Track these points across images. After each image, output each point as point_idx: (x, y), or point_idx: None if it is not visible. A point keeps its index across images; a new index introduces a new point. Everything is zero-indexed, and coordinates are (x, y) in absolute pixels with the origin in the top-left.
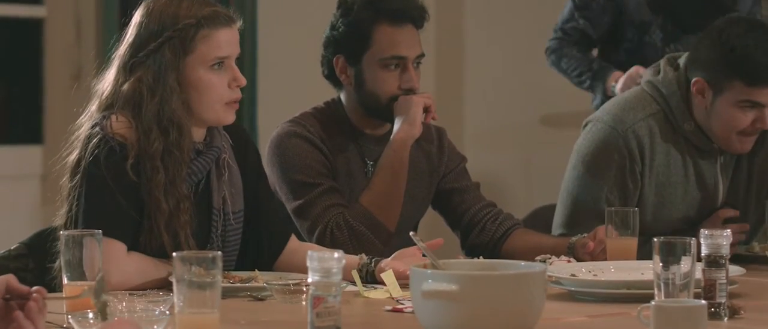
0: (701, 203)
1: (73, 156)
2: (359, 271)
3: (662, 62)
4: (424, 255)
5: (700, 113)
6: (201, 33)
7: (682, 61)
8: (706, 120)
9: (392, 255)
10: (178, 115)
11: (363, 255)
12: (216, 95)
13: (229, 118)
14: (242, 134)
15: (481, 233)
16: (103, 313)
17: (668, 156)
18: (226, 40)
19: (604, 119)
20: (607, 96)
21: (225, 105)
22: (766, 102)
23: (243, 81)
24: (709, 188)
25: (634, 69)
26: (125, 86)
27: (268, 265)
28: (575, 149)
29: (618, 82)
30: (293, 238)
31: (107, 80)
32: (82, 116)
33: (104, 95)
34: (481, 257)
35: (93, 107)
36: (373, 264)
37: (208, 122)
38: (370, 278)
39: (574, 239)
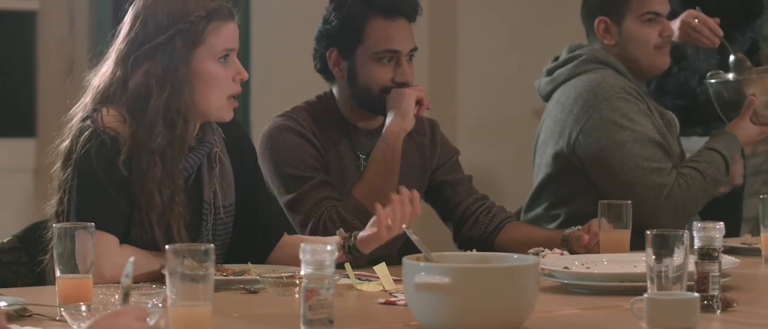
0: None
1: (65, 144)
2: (342, 247)
3: (566, 51)
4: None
5: (616, 55)
6: (211, 25)
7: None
8: (626, 55)
9: (370, 222)
10: (187, 107)
11: (342, 230)
12: (222, 87)
13: (228, 116)
14: (238, 128)
15: (474, 226)
16: (126, 297)
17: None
18: (232, 33)
19: (592, 105)
20: None
21: (227, 100)
22: (663, 10)
23: (245, 75)
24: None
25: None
26: (131, 81)
27: (261, 259)
28: (599, 142)
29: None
30: (285, 232)
31: (103, 73)
32: (76, 107)
33: (100, 87)
34: (474, 250)
35: (87, 98)
36: (352, 239)
37: (208, 117)
38: (355, 252)
39: (567, 231)
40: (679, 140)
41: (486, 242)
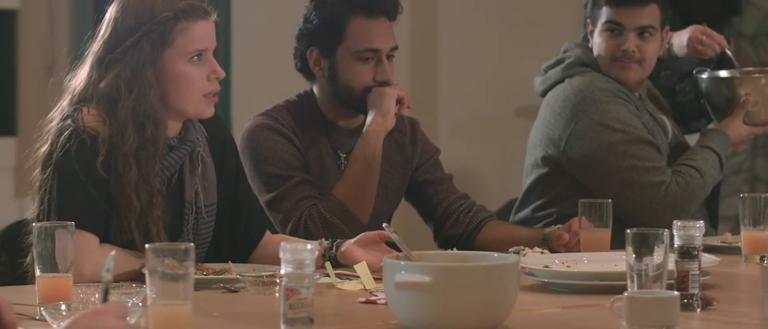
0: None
1: (44, 149)
2: (322, 256)
3: (561, 50)
4: (390, 243)
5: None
6: (179, 26)
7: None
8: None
9: (355, 238)
10: (155, 109)
11: (323, 240)
12: (196, 87)
13: (209, 112)
14: (221, 127)
15: (455, 225)
16: (106, 293)
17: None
18: (204, 33)
19: (584, 106)
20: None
21: (204, 98)
22: (627, 24)
23: (222, 73)
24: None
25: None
26: (102, 83)
27: (243, 258)
28: (586, 152)
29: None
30: (267, 231)
31: (80, 77)
32: (53, 111)
33: (76, 91)
34: (454, 249)
35: (64, 102)
36: (334, 249)
37: (188, 116)
38: (334, 262)
39: (548, 230)
40: (683, 139)
41: (466, 241)
